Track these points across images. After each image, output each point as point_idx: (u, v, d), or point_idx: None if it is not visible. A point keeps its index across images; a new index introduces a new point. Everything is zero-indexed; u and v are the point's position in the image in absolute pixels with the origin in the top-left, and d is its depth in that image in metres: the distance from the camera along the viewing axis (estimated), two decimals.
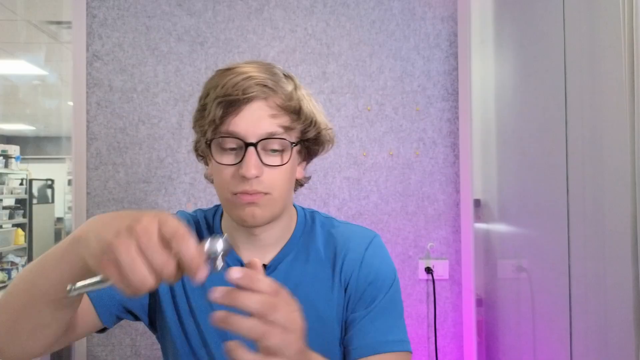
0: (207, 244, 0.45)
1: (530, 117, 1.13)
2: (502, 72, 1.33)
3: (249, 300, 0.46)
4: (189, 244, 0.43)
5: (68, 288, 0.45)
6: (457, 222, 1.40)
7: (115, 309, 0.69)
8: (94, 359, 1.39)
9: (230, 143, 0.64)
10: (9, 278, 6.00)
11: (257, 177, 0.63)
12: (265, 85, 0.64)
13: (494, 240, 1.38)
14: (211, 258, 0.45)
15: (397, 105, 1.42)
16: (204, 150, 0.70)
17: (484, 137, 1.44)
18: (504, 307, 1.31)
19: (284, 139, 0.65)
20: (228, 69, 0.67)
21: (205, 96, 0.68)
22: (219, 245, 0.45)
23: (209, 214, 0.78)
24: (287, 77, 0.69)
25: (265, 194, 0.65)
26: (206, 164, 0.74)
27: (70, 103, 1.42)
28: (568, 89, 0.92)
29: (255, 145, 0.63)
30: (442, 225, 1.41)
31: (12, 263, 6.15)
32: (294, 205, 0.76)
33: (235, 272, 0.46)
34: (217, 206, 0.79)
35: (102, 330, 0.70)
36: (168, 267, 0.43)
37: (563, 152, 0.92)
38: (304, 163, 0.74)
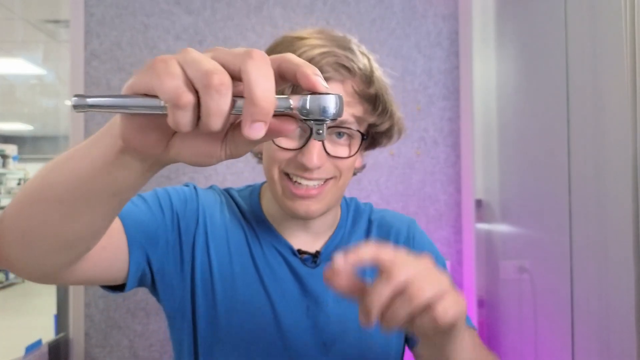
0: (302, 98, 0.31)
1: (532, 116, 1.12)
2: (504, 71, 1.32)
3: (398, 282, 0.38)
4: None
5: (72, 100, 0.32)
6: (459, 223, 1.40)
7: (144, 261, 0.59)
8: None
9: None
10: (7, 278, 5.99)
11: (318, 167, 0.57)
12: (343, 66, 0.57)
13: (496, 240, 1.37)
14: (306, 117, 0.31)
15: (398, 104, 1.41)
16: None
17: (486, 136, 1.43)
18: (505, 308, 1.31)
19: (354, 130, 0.59)
20: (300, 38, 0.58)
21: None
22: (331, 102, 0.31)
23: (243, 195, 0.71)
24: (363, 54, 0.62)
25: (325, 181, 0.59)
26: None
27: (68, 102, 1.41)
28: (570, 88, 0.91)
29: None
30: (443, 225, 1.40)
31: None
32: None
33: (364, 249, 0.39)
34: (251, 186, 0.73)
35: (117, 289, 0.59)
36: (210, 77, 0.28)
37: (565, 152, 0.92)
38: (364, 151, 0.68)
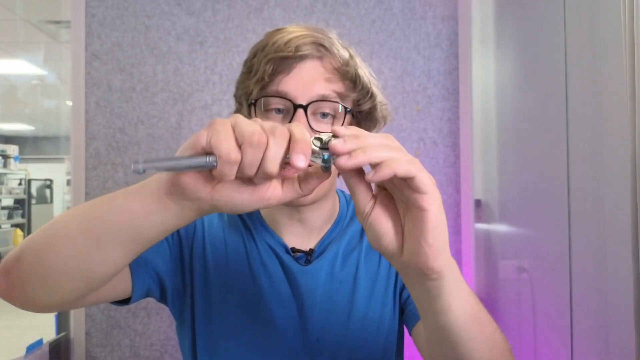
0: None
1: (531, 117, 1.12)
2: (503, 72, 1.32)
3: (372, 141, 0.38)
4: (296, 126, 0.39)
5: (133, 166, 0.37)
6: (458, 223, 1.40)
7: (150, 277, 0.62)
8: None
9: (278, 104, 0.58)
10: None
11: None
12: (321, 45, 0.58)
13: (495, 240, 1.38)
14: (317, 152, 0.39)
15: (398, 105, 1.41)
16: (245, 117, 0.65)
17: (485, 137, 1.43)
18: (504, 307, 1.31)
19: (337, 103, 0.59)
20: (278, 30, 0.61)
21: (251, 57, 0.61)
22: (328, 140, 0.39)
23: None
24: (342, 45, 0.63)
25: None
26: None
27: (69, 103, 1.42)
28: (569, 89, 0.92)
29: (305, 107, 0.57)
30: None
31: None
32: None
33: (340, 130, 0.40)
34: None
35: (122, 302, 0.61)
36: (260, 137, 0.37)
37: (564, 152, 0.92)
38: None
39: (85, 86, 1.40)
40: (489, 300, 1.42)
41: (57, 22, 3.05)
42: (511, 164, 1.27)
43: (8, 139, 8.25)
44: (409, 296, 0.68)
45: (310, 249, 0.68)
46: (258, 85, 0.58)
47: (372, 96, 0.64)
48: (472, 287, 1.37)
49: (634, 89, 0.69)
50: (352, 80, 0.60)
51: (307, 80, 0.57)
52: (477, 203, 1.43)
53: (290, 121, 0.57)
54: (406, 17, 1.42)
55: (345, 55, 0.61)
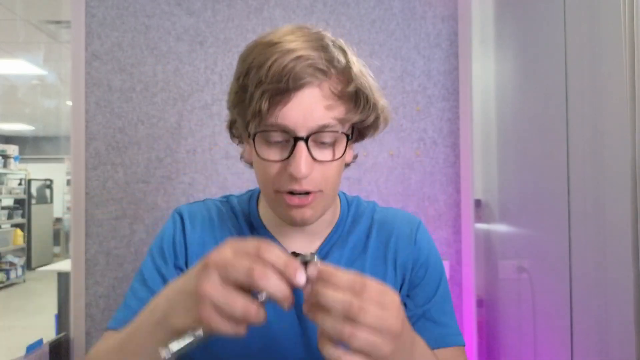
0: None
1: (531, 117, 1.12)
2: (503, 72, 1.32)
3: (329, 299, 0.41)
4: (273, 250, 0.42)
5: (164, 355, 0.42)
6: (458, 223, 1.40)
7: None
8: None
9: (277, 136, 0.56)
10: (8, 278, 6.00)
11: (306, 176, 0.56)
12: (318, 69, 0.55)
13: (495, 240, 1.38)
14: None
15: (398, 105, 1.41)
16: (240, 132, 0.63)
17: (485, 137, 1.43)
18: (504, 307, 1.31)
19: (338, 132, 0.57)
20: (271, 44, 0.56)
21: (244, 74, 0.57)
22: (312, 268, 0.43)
23: (242, 200, 0.72)
24: (339, 48, 0.59)
25: (316, 192, 0.58)
26: (241, 142, 0.67)
27: (69, 103, 1.42)
28: (569, 89, 0.92)
29: (306, 140, 0.55)
30: (442, 225, 1.40)
31: (11, 263, 6.15)
32: None
33: (311, 269, 0.43)
34: (251, 191, 0.73)
35: None
36: (265, 278, 0.41)
37: (564, 152, 0.92)
38: (353, 144, 0.66)
39: (85, 86, 1.40)
40: (489, 300, 1.42)
41: (57, 22, 3.05)
42: (511, 164, 1.27)
43: (8, 139, 8.25)
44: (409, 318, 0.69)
45: (311, 253, 0.67)
46: (255, 119, 0.56)
47: (374, 110, 0.61)
48: (472, 287, 1.37)
49: (634, 89, 0.69)
50: (353, 99, 0.58)
51: (306, 111, 0.55)
52: (477, 203, 1.43)
53: (291, 152, 0.56)
54: (406, 17, 1.42)
55: (343, 67, 0.57)
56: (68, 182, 6.71)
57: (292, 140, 0.56)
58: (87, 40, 1.41)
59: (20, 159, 6.79)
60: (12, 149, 6.53)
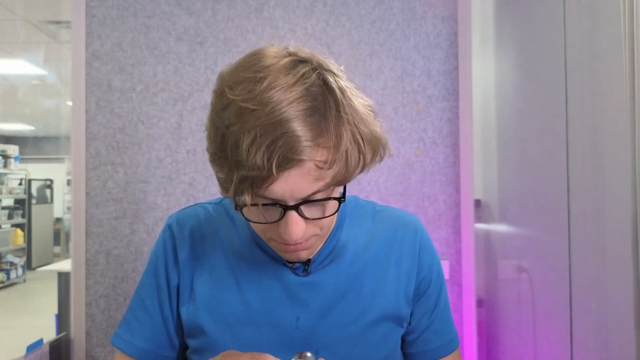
0: None
1: (531, 117, 1.12)
2: (503, 72, 1.32)
3: None
4: None
5: None
6: (458, 223, 1.40)
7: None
8: None
9: (265, 201, 0.54)
10: (8, 278, 6.00)
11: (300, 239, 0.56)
12: (305, 147, 0.49)
13: (495, 240, 1.38)
14: None
15: (397, 105, 1.42)
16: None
17: (485, 137, 1.43)
18: (504, 307, 1.31)
19: (327, 199, 0.55)
20: (254, 110, 0.49)
21: (221, 135, 0.52)
22: None
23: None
24: (328, 97, 0.52)
25: (310, 237, 0.59)
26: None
27: (69, 103, 1.42)
28: (569, 89, 0.92)
29: (296, 208, 0.53)
30: (442, 225, 1.40)
31: (11, 263, 6.15)
32: None
33: None
34: None
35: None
36: None
37: (564, 152, 0.92)
38: None
39: (85, 86, 1.40)
40: (489, 300, 1.42)
41: (57, 22, 3.05)
42: (511, 164, 1.27)
43: (8, 139, 8.25)
44: (411, 335, 0.70)
45: (308, 259, 0.66)
46: (242, 191, 0.51)
47: (371, 148, 0.56)
48: (472, 287, 1.37)
49: (634, 89, 0.69)
50: (344, 163, 0.52)
51: (293, 187, 0.51)
52: (477, 203, 1.43)
53: (281, 217, 0.54)
54: (406, 17, 1.42)
55: (334, 128, 0.51)
56: (68, 182, 6.71)
57: (283, 208, 0.53)
58: (87, 40, 1.41)
59: (21, 159, 6.79)
60: (13, 149, 6.53)
